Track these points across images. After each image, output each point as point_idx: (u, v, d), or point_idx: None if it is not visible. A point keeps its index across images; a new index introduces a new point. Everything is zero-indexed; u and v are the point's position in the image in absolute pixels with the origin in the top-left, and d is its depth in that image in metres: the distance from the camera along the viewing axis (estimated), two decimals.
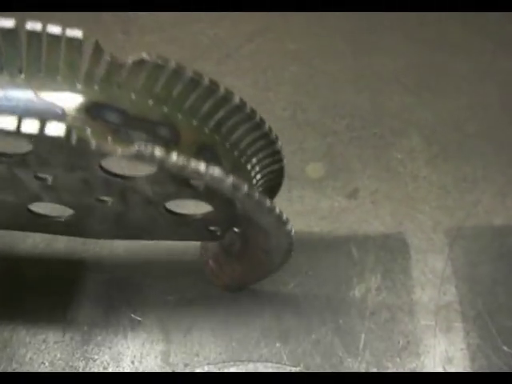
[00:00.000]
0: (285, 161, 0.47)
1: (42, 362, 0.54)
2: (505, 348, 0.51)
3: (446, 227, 0.58)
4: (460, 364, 0.50)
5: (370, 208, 0.59)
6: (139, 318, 0.56)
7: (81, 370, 0.53)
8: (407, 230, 0.58)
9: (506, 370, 0.50)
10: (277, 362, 0.51)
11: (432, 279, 0.55)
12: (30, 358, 0.54)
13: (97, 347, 0.55)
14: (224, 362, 0.52)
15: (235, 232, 0.48)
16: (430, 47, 0.72)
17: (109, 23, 0.78)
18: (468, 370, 0.50)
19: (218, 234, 0.49)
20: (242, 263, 0.52)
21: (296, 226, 0.58)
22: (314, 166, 0.61)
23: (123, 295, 0.57)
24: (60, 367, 0.53)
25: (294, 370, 0.50)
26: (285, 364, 0.51)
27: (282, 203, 0.59)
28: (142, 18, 0.79)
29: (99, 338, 0.55)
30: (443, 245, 0.57)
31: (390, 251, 0.56)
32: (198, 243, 0.58)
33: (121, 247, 0.60)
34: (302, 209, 0.60)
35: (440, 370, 0.50)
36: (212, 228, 0.48)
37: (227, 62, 0.59)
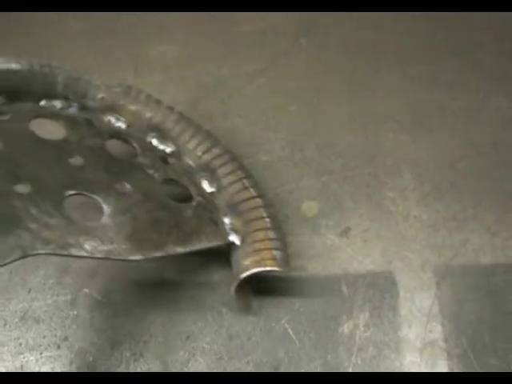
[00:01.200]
0: None
1: None
2: None
3: (435, 265, 0.60)
4: None
5: (361, 246, 0.62)
6: (141, 351, 0.59)
7: None
8: (396, 268, 0.60)
9: None
10: None
11: (419, 317, 0.57)
12: None
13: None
14: None
15: None
16: (426, 86, 0.74)
17: (120, 61, 0.83)
18: None
19: None
20: None
21: (291, 264, 0.62)
22: (309, 205, 0.64)
23: (127, 328, 0.61)
24: None
25: None
26: None
27: None
28: (150, 54, 0.83)
29: (103, 367, 0.59)
30: (431, 283, 0.59)
31: (379, 289, 0.59)
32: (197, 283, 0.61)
33: (124, 281, 0.64)
34: (296, 246, 0.62)
35: None
36: None
37: (230, 102, 0.62)
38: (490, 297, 0.57)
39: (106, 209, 0.56)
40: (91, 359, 0.59)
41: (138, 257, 0.55)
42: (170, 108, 0.65)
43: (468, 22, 0.82)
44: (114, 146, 0.62)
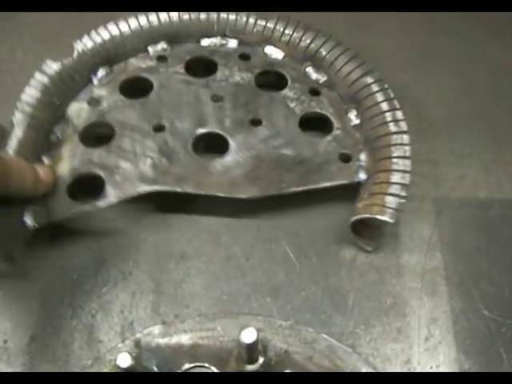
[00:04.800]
0: None
1: None
2: (485, 312, 0.53)
3: (434, 197, 0.60)
4: (443, 325, 0.52)
5: None
6: (130, 269, 0.56)
7: (68, 319, 0.53)
8: None
9: (485, 332, 0.52)
10: (267, 316, 0.52)
11: (419, 245, 0.57)
12: None
13: (85, 295, 0.54)
14: (214, 314, 0.52)
15: None
16: (425, 30, 0.74)
17: None
18: (450, 330, 0.52)
19: None
20: None
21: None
22: None
23: (115, 247, 0.57)
24: (48, 312, 0.53)
25: (284, 324, 0.51)
26: (275, 318, 0.52)
27: None
28: None
29: (88, 286, 0.55)
30: (430, 214, 0.59)
31: None
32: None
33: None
34: None
35: (424, 330, 0.52)
36: None
37: None
38: (486, 228, 0.58)
39: (233, 145, 0.57)
40: (75, 277, 0.55)
41: (245, 195, 0.55)
42: (327, 35, 0.63)
43: None
44: (260, 80, 0.63)
